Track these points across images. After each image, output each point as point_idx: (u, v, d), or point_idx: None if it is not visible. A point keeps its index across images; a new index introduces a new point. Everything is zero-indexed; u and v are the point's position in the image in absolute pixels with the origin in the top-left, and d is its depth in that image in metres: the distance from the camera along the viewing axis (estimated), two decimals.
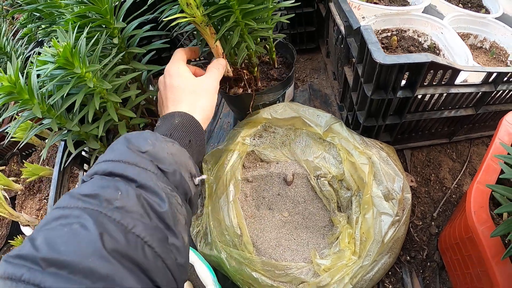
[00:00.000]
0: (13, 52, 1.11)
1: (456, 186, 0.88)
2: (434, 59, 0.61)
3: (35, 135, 0.93)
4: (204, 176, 0.50)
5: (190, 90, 0.58)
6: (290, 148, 0.82)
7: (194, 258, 0.67)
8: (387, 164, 0.74)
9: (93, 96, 0.60)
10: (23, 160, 1.06)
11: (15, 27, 1.44)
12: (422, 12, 0.95)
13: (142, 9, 0.70)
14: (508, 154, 0.56)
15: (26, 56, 1.10)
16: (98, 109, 0.61)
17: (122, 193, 0.37)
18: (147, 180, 0.39)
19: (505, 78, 0.72)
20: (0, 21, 1.29)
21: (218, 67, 0.64)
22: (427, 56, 0.61)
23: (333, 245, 0.70)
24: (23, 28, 1.26)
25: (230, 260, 0.68)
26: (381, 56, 0.60)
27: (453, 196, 0.87)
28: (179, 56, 0.62)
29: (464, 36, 0.99)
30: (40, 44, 1.17)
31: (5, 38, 1.13)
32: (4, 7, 1.66)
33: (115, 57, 0.62)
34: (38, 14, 0.89)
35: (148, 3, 0.63)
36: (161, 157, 0.43)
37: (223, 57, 0.68)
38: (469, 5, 1.07)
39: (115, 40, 0.66)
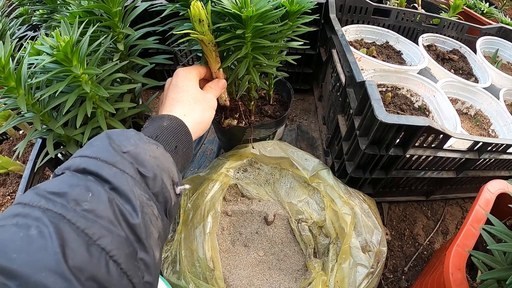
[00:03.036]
0: (6, 29, 1.06)
1: (428, 243, 0.91)
2: (430, 123, 0.63)
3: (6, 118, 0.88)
4: (187, 186, 0.47)
5: (191, 95, 0.55)
6: (274, 188, 0.81)
7: (161, 285, 0.63)
8: (368, 217, 0.74)
9: (85, 100, 0.57)
10: None
11: (11, 3, 1.38)
12: (418, 73, 0.98)
13: (153, 20, 0.68)
14: (490, 222, 0.58)
15: (18, 36, 1.05)
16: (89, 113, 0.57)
17: (93, 195, 0.34)
18: (122, 184, 0.36)
19: (489, 148, 0.75)
20: None
21: (216, 88, 0.63)
22: (425, 120, 0.62)
23: None
24: (19, 6, 1.21)
25: None
26: (382, 114, 0.61)
27: (425, 252, 0.89)
28: (196, 67, 0.61)
29: (453, 101, 1.03)
30: (34, 28, 1.13)
31: (0, 12, 1.07)
32: None
33: (116, 64, 0.59)
34: None
35: (163, 14, 0.61)
36: (143, 159, 0.40)
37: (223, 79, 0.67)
38: (460, 72, 1.12)
39: (120, 46, 0.64)
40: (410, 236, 0.91)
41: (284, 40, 0.70)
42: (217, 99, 0.69)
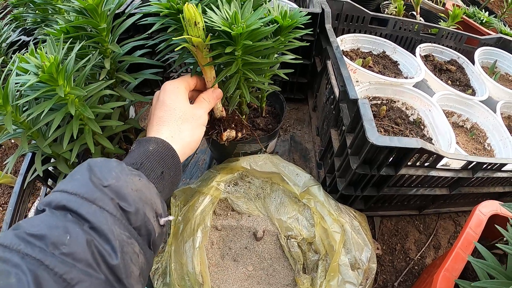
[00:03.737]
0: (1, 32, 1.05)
1: (419, 258, 0.90)
2: (423, 145, 0.62)
3: None
4: (171, 217, 0.46)
5: (178, 114, 0.53)
6: (264, 203, 0.80)
7: None
8: (358, 234, 0.74)
9: (72, 119, 0.56)
10: None
11: (6, 3, 1.37)
12: (414, 85, 0.97)
13: (141, 36, 0.67)
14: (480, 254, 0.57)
15: (13, 40, 1.04)
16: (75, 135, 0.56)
17: (71, 237, 0.33)
18: (101, 223, 0.36)
19: (483, 167, 0.74)
20: None
21: (210, 99, 0.60)
22: (418, 142, 0.61)
23: None
24: (13, 9, 1.20)
25: None
26: (374, 136, 0.60)
27: (416, 267, 0.88)
28: (185, 79, 0.58)
29: (449, 114, 1.02)
30: (27, 33, 1.12)
31: None
32: None
33: (103, 83, 0.58)
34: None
35: (151, 30, 0.58)
36: (124, 193, 0.39)
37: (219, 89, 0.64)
38: (458, 83, 1.11)
39: (107, 64, 0.63)
40: (402, 250, 0.91)
41: (277, 54, 0.69)
42: (213, 110, 0.68)
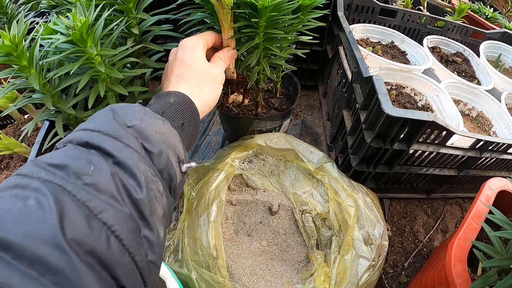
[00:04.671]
0: (14, 14, 1.06)
1: (428, 240, 0.92)
2: (435, 119, 0.64)
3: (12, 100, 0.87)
4: (193, 164, 0.45)
5: (197, 70, 0.53)
6: (279, 179, 0.82)
7: (166, 273, 0.64)
8: (371, 210, 0.75)
9: (96, 83, 0.57)
10: None
11: None
12: (422, 73, 0.99)
13: (167, 7, 0.69)
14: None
15: (27, 21, 1.05)
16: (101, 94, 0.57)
17: (95, 168, 0.32)
18: (126, 158, 0.34)
19: (490, 147, 0.76)
20: None
21: (225, 59, 0.59)
22: (429, 115, 0.63)
23: (307, 282, 0.70)
24: None
25: (200, 282, 0.66)
26: (389, 108, 0.62)
27: (424, 249, 0.90)
28: (202, 36, 0.57)
29: (455, 102, 1.04)
30: (41, 14, 1.13)
31: None
32: None
33: (130, 48, 0.59)
34: None
35: (178, 1, 0.60)
36: (148, 134, 0.38)
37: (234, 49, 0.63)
38: (463, 75, 1.13)
39: (135, 30, 0.64)
40: (410, 232, 0.92)
41: (294, 34, 0.71)
42: (225, 71, 0.67)
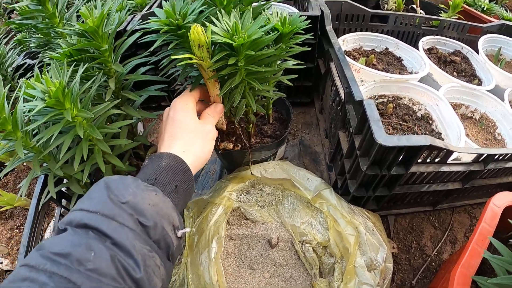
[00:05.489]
0: (5, 58, 1.06)
1: (436, 254, 0.89)
2: (432, 142, 0.61)
3: (11, 154, 0.88)
4: (187, 229, 0.48)
5: (189, 129, 0.55)
6: (277, 209, 0.80)
7: None
8: (373, 235, 0.74)
9: (81, 141, 0.57)
10: None
11: (9, 27, 1.39)
12: (419, 80, 0.96)
13: (143, 54, 0.68)
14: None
15: (18, 64, 1.06)
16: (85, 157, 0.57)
17: (95, 254, 0.35)
18: (123, 239, 0.37)
19: (495, 158, 0.73)
20: None
21: (214, 114, 0.62)
22: (426, 139, 0.61)
23: None
24: (16, 33, 1.22)
25: None
26: (382, 137, 0.60)
27: (433, 264, 0.88)
28: (191, 94, 0.60)
29: (457, 106, 1.01)
30: (31, 56, 1.13)
31: None
32: (3, 4, 1.61)
33: (109, 103, 0.59)
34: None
35: (153, 47, 0.58)
36: (142, 208, 0.41)
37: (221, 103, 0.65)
38: (463, 74, 1.10)
39: (111, 84, 0.63)
40: (418, 247, 0.90)
41: (279, 60, 0.69)
42: None
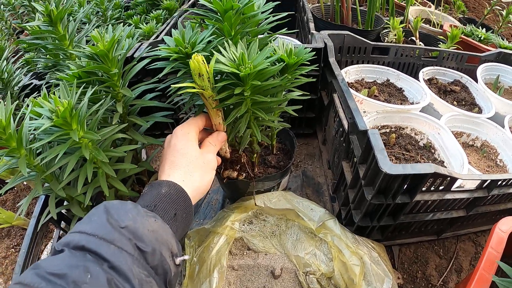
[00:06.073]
0: (11, 78, 1.07)
1: (442, 283, 0.88)
2: (436, 169, 0.62)
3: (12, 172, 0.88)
4: (186, 257, 0.47)
5: (189, 158, 0.54)
6: (280, 240, 0.79)
7: None
8: (378, 265, 0.72)
9: (86, 163, 0.57)
10: None
11: (17, 47, 1.42)
12: (421, 110, 0.98)
13: (151, 81, 0.68)
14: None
15: (24, 84, 1.07)
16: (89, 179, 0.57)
17: (92, 276, 0.34)
18: (121, 263, 0.36)
19: (498, 184, 0.73)
20: (5, 41, 1.27)
21: (216, 143, 0.61)
22: (431, 167, 0.61)
23: None
24: (25, 53, 1.24)
25: None
26: (387, 166, 0.60)
27: None
28: (194, 122, 0.59)
29: (458, 135, 1.02)
30: (38, 77, 1.15)
31: (5, 62, 1.09)
32: (12, 24, 1.64)
33: (116, 127, 0.59)
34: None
35: (162, 74, 0.59)
36: (141, 234, 0.40)
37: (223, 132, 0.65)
38: (463, 103, 1.11)
39: (119, 108, 0.64)
40: (423, 277, 0.88)
41: (284, 91, 0.70)
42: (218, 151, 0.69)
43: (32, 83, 1.10)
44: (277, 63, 0.61)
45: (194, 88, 0.54)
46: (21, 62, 1.23)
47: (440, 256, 0.93)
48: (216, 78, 0.58)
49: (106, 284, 0.34)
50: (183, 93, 0.64)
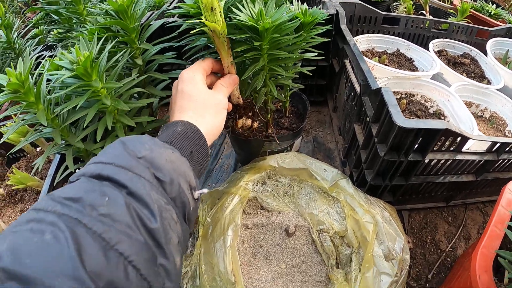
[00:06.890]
0: (22, 49, 1.09)
1: (450, 249, 0.89)
2: (448, 126, 0.62)
3: (23, 134, 0.88)
4: (205, 190, 0.45)
5: (198, 100, 0.53)
6: (294, 199, 0.80)
7: None
8: (390, 225, 0.73)
9: (105, 115, 0.57)
10: (10, 164, 1.00)
11: (26, 25, 1.43)
12: (431, 79, 0.98)
13: (170, 35, 0.69)
14: None
15: (34, 56, 1.08)
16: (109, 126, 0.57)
17: (110, 199, 0.33)
18: (139, 188, 0.35)
19: (507, 148, 0.74)
20: (13, 16, 1.27)
21: (227, 85, 0.59)
22: (443, 123, 0.62)
23: None
24: (34, 28, 1.25)
25: None
26: (401, 119, 0.61)
27: (448, 259, 0.87)
28: (200, 65, 0.57)
29: (467, 104, 1.03)
30: (49, 48, 1.16)
31: (16, 33, 1.10)
32: (19, 3, 1.65)
33: (135, 79, 0.59)
34: (54, 17, 0.87)
35: (180, 29, 0.60)
36: (159, 164, 0.39)
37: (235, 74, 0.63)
38: (472, 76, 1.11)
39: (138, 61, 0.64)
40: (432, 243, 0.90)
41: (298, 52, 0.71)
42: (230, 96, 0.66)
43: (42, 54, 1.11)
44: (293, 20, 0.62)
45: (206, 25, 0.52)
46: (31, 35, 1.23)
47: (449, 223, 0.94)
48: (233, 34, 0.58)
49: (124, 207, 0.33)
50: (199, 51, 0.65)
